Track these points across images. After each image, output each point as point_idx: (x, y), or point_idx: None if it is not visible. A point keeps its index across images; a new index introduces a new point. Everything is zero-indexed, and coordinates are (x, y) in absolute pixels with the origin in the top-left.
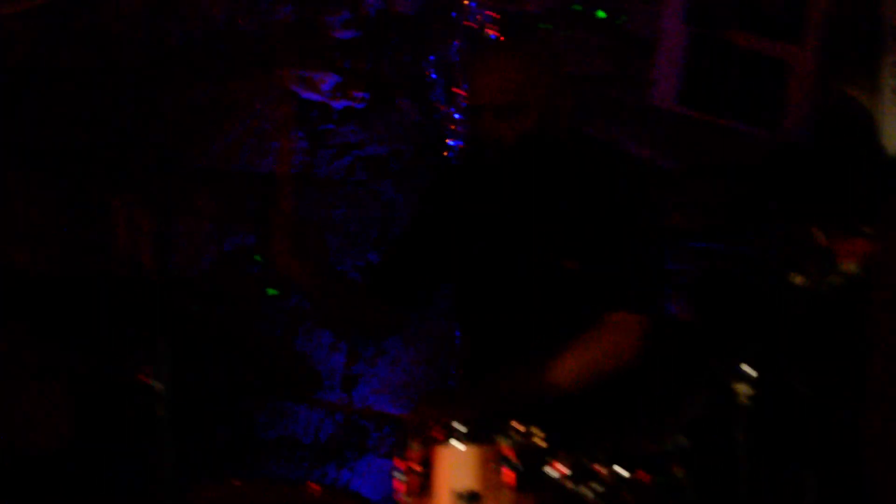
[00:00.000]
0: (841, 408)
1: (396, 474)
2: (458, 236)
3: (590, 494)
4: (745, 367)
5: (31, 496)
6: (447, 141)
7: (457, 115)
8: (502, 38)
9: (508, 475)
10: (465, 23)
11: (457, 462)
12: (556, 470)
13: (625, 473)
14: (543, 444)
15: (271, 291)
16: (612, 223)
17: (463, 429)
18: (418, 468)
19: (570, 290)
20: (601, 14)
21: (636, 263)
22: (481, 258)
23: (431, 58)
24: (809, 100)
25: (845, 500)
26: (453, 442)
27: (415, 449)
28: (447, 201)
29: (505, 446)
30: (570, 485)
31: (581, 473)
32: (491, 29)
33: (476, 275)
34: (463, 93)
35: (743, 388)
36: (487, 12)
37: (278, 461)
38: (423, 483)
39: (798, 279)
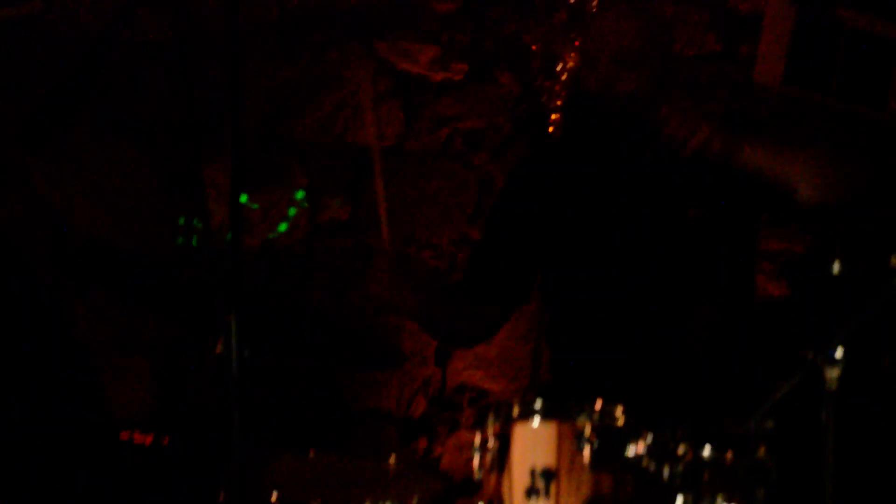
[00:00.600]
0: None
1: (474, 450)
2: (561, 209)
3: (670, 475)
4: (838, 352)
5: (112, 467)
6: (546, 115)
7: (557, 90)
8: None
9: (586, 454)
10: None
11: (534, 439)
12: (636, 449)
13: (707, 454)
14: (623, 423)
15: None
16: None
17: (541, 405)
18: (495, 444)
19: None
20: None
21: None
22: (587, 227)
23: (532, 31)
24: None
25: None
26: (532, 419)
27: (493, 424)
28: (545, 178)
29: (584, 424)
30: (649, 465)
31: (661, 453)
32: (594, 3)
33: (580, 244)
34: (565, 68)
35: (833, 373)
36: None
37: (368, 435)
38: (500, 459)
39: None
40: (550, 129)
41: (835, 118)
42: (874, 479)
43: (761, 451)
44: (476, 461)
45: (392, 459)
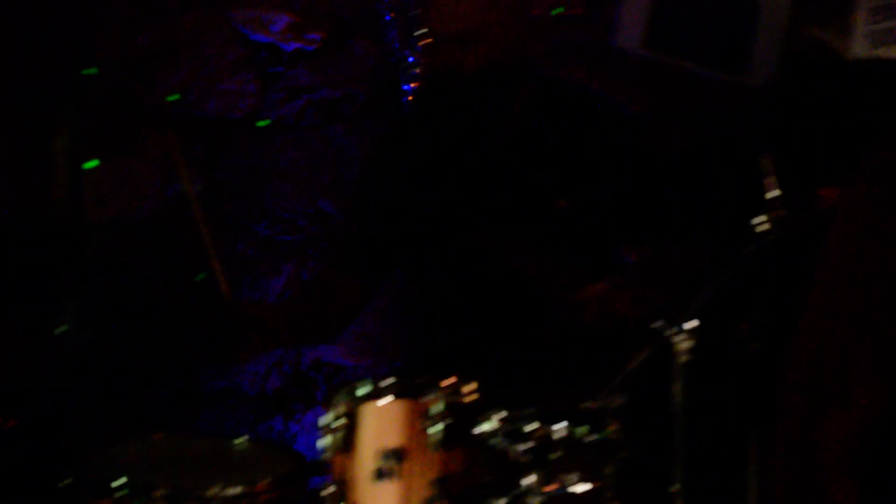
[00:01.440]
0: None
1: (322, 430)
2: (422, 187)
3: (521, 452)
4: (688, 323)
5: None
6: (403, 85)
7: (413, 59)
8: None
9: (436, 432)
10: None
11: (383, 418)
12: (487, 427)
13: (558, 431)
14: (474, 401)
15: (200, 276)
16: (608, 159)
17: (391, 383)
18: (344, 423)
19: (561, 230)
20: None
21: (646, 204)
22: (450, 205)
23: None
24: (778, 43)
25: None
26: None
27: (340, 403)
28: (402, 156)
29: (434, 402)
30: (500, 442)
31: (512, 431)
32: None
33: (445, 223)
34: (421, 36)
35: (684, 345)
36: None
37: (223, 414)
38: (348, 439)
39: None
40: (410, 97)
41: (695, 82)
42: (727, 453)
43: (612, 427)
44: (324, 441)
45: (244, 438)
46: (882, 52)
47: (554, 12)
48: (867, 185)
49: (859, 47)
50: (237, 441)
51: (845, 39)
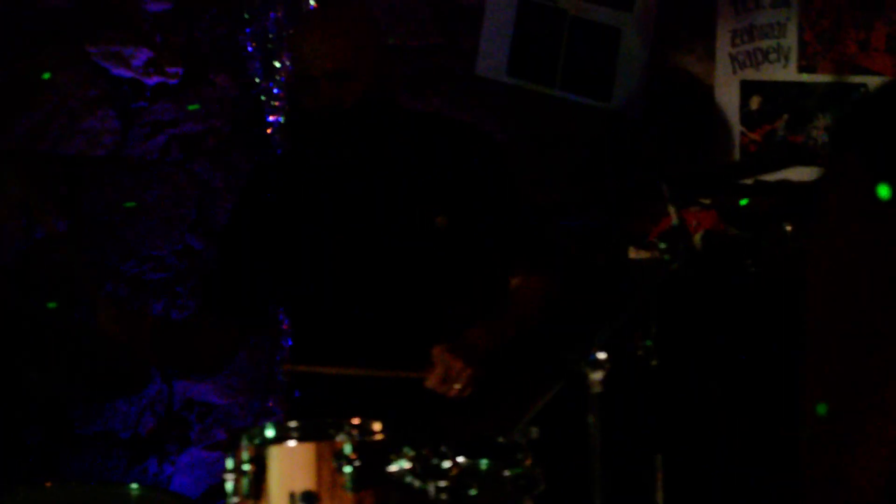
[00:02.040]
0: (686, 387)
1: (226, 475)
2: (295, 223)
3: (435, 490)
4: (599, 353)
5: None
6: (266, 117)
7: (276, 90)
8: (325, 7)
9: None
10: None
11: (291, 461)
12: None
13: (473, 467)
14: (383, 440)
15: (52, 304)
16: (481, 181)
17: (297, 425)
18: (251, 468)
19: (442, 251)
20: None
21: (521, 225)
22: (329, 237)
23: (248, 30)
24: (642, 69)
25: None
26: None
27: (247, 447)
28: (271, 192)
29: (343, 443)
30: (413, 480)
31: (426, 469)
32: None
33: (324, 255)
34: (284, 67)
35: (596, 375)
36: None
37: (96, 458)
38: (256, 483)
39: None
40: (269, 130)
41: (561, 109)
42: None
43: (528, 461)
44: (230, 486)
45: (136, 486)
46: (744, 75)
47: None
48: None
49: (722, 70)
50: (131, 488)
51: (708, 64)
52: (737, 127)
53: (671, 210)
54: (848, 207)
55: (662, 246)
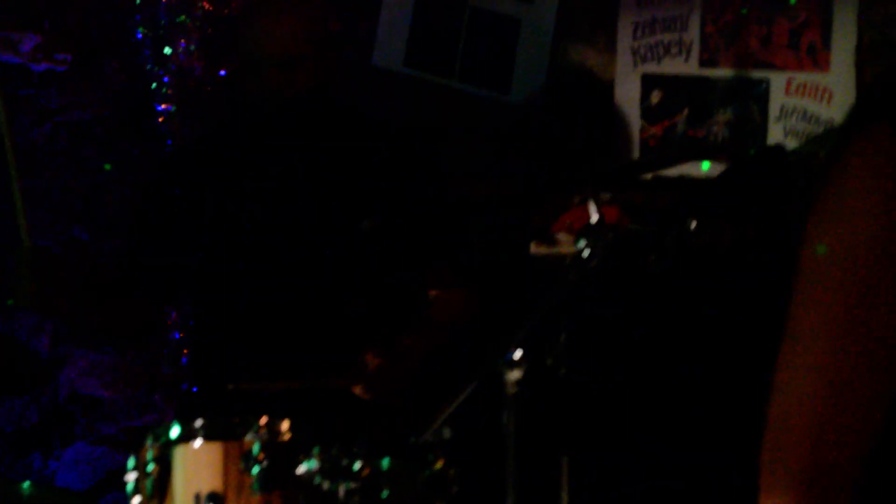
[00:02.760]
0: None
1: (129, 475)
2: (219, 210)
3: (345, 491)
4: (515, 353)
5: None
6: (156, 105)
7: (166, 78)
8: None
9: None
10: None
11: (197, 461)
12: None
13: (384, 469)
14: (292, 439)
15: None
16: (408, 183)
17: (203, 424)
18: (155, 468)
19: (369, 254)
20: None
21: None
22: (258, 229)
23: (137, 17)
24: (542, 60)
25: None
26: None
27: (149, 446)
28: (192, 181)
29: (252, 443)
30: (322, 482)
31: (336, 470)
32: None
33: (249, 248)
34: (174, 55)
35: (513, 376)
36: None
37: None
38: (160, 484)
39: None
40: (161, 119)
41: (460, 101)
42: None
43: (440, 463)
44: (130, 487)
45: (28, 483)
46: (645, 68)
47: None
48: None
49: (623, 63)
50: (22, 486)
51: (609, 56)
52: (637, 121)
53: (591, 206)
54: (878, 182)
55: (581, 243)
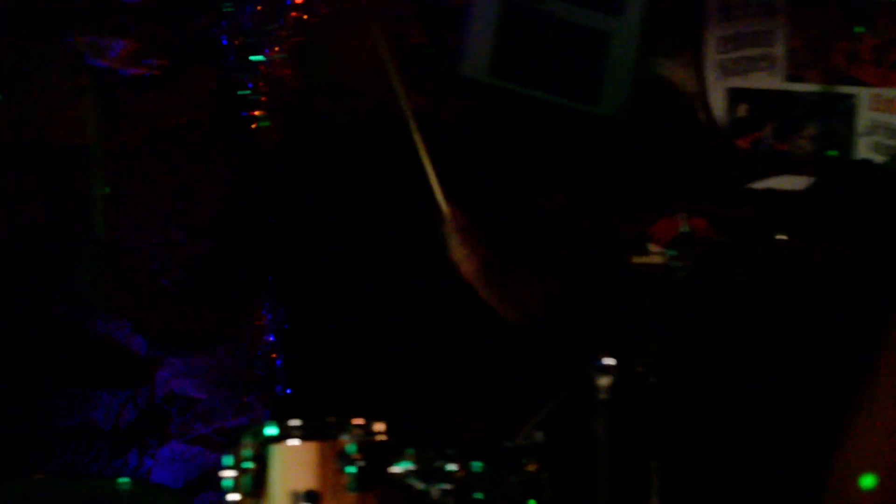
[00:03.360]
0: (688, 396)
1: (226, 472)
2: (294, 223)
3: (438, 492)
4: (606, 359)
5: None
6: (246, 111)
7: (250, 84)
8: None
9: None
10: None
11: (294, 460)
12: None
13: (477, 471)
14: (387, 440)
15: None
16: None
17: (300, 424)
18: (253, 466)
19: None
20: None
21: (523, 228)
22: (335, 239)
23: (224, 24)
24: (629, 73)
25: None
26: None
27: (246, 444)
28: (269, 189)
29: (347, 443)
30: (417, 483)
31: (430, 471)
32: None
33: (327, 256)
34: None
35: (604, 382)
36: None
37: (77, 450)
38: (256, 481)
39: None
40: (254, 125)
41: (547, 112)
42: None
43: (532, 465)
44: (228, 483)
45: (126, 480)
46: (732, 82)
47: None
48: None
49: (709, 77)
50: (120, 482)
51: (695, 70)
52: (724, 134)
53: (681, 217)
54: None
55: (672, 253)
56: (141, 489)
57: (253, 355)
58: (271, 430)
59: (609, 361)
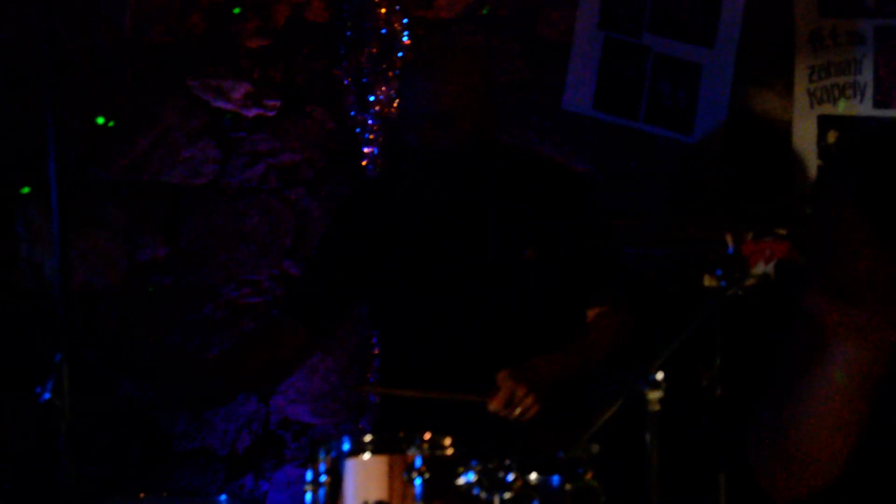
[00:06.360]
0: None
1: (306, 485)
2: (388, 247)
3: (500, 501)
4: (657, 374)
5: None
6: (361, 148)
7: (371, 122)
8: (423, 46)
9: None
10: (378, 28)
11: (366, 472)
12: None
13: (535, 481)
14: (452, 454)
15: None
16: (569, 217)
17: (371, 439)
18: (328, 479)
19: (530, 283)
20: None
21: (604, 259)
22: (423, 264)
23: (344, 64)
24: (722, 103)
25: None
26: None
27: (324, 459)
28: (368, 215)
29: (414, 456)
30: (480, 493)
31: (491, 482)
32: (404, 36)
33: (417, 280)
34: (378, 101)
35: (655, 395)
36: (400, 18)
37: (194, 473)
38: (332, 494)
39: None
40: (364, 162)
41: (643, 143)
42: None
43: (588, 476)
44: (308, 497)
45: (223, 499)
46: (821, 110)
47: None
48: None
49: (799, 106)
50: (219, 500)
51: (785, 99)
52: (814, 161)
53: (728, 238)
54: None
55: (718, 273)
56: None
57: (364, 381)
58: (345, 445)
59: (659, 376)
